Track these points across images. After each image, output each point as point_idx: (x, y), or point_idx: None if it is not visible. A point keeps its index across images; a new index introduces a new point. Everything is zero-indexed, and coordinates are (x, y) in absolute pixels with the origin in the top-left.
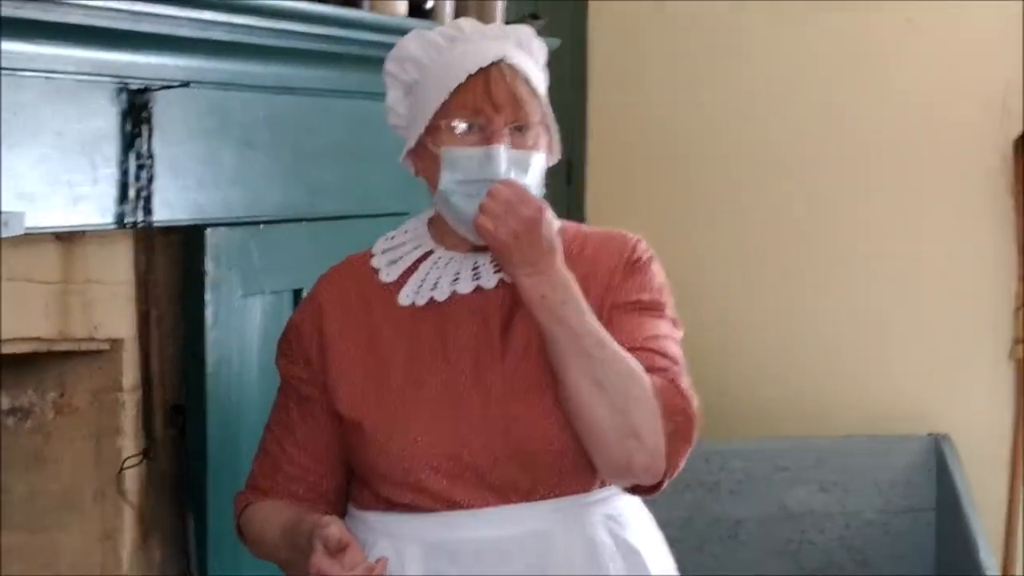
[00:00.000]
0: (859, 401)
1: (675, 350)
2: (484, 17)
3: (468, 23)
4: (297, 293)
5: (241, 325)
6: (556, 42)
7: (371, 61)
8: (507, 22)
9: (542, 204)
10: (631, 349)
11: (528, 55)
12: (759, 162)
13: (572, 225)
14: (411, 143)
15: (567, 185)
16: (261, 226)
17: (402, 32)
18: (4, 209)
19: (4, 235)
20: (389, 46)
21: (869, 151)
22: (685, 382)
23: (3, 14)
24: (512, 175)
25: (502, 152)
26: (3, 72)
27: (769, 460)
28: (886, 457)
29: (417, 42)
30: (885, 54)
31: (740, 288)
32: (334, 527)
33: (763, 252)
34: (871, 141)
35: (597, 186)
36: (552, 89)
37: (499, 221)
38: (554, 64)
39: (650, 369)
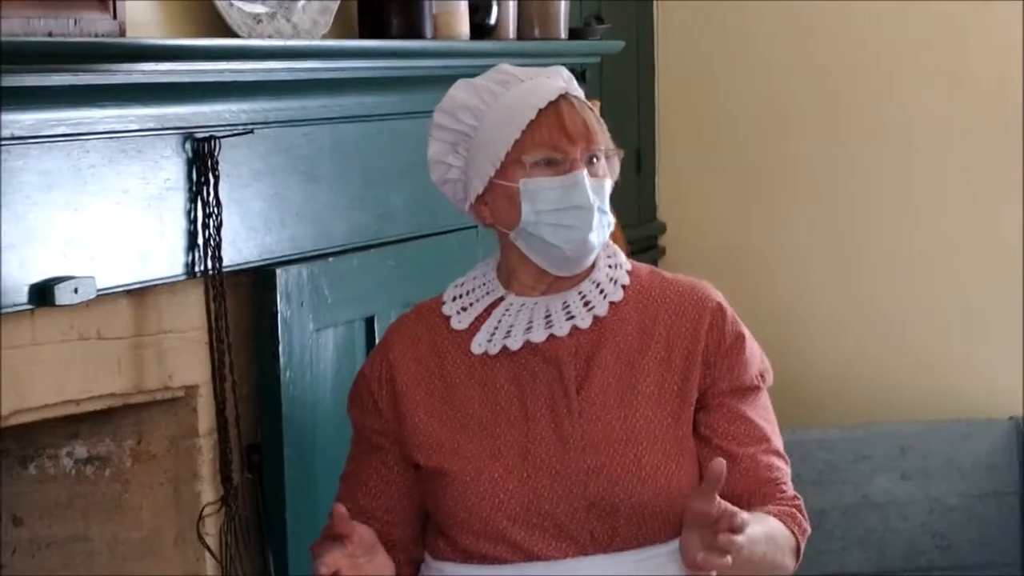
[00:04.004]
0: (939, 386)
1: (779, 445)
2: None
3: (511, 67)
4: (369, 321)
5: (314, 360)
6: (620, 45)
7: (435, 80)
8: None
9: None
10: (760, 492)
11: (577, 91)
12: (830, 148)
13: (643, 266)
14: (478, 189)
15: (636, 174)
16: (330, 259)
17: (466, 55)
18: (74, 274)
19: (76, 301)
20: (455, 67)
21: (941, 135)
22: (797, 497)
23: (64, 83)
24: (596, 203)
25: (585, 177)
26: (68, 138)
27: (851, 449)
28: (967, 442)
29: (468, 90)
30: (953, 37)
31: (817, 275)
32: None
33: (839, 238)
34: (942, 125)
35: (667, 175)
36: (621, 78)
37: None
38: (623, 55)
39: (779, 508)
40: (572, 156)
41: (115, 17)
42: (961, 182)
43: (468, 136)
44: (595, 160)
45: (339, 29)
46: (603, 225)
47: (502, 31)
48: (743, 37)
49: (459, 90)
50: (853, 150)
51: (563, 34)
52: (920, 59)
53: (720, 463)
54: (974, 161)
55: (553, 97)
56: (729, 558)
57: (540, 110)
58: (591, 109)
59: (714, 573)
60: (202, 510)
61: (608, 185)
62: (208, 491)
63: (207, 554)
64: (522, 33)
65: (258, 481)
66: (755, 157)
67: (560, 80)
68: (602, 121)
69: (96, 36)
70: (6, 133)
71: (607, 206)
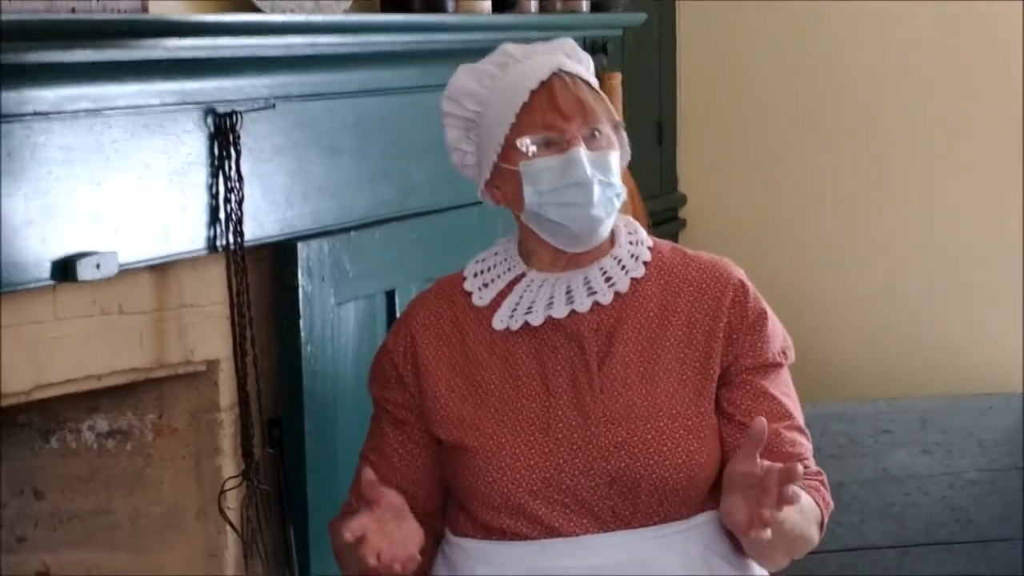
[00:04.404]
0: (959, 361)
1: (801, 422)
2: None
3: (513, 47)
4: (390, 295)
5: (335, 335)
6: (642, 17)
7: (457, 54)
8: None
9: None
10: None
11: (578, 63)
12: (849, 122)
13: (665, 242)
14: (487, 174)
15: (658, 146)
16: (352, 233)
17: (488, 28)
18: (96, 249)
19: (98, 276)
20: (477, 40)
21: (960, 117)
22: (821, 472)
23: (86, 59)
24: (596, 176)
25: (582, 153)
26: (90, 114)
27: (871, 423)
28: (988, 416)
29: (469, 76)
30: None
31: (835, 248)
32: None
33: (860, 210)
34: (960, 106)
35: (688, 146)
36: (643, 50)
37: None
38: (644, 27)
39: (804, 482)
40: (569, 134)
41: None
42: (981, 165)
43: (475, 122)
44: (596, 134)
45: (361, 3)
46: (608, 198)
47: (524, 4)
48: (764, 10)
49: (461, 76)
50: (872, 124)
51: (585, 7)
52: (940, 33)
53: (761, 422)
54: (989, 144)
55: (545, 76)
56: (787, 511)
57: (532, 91)
58: (587, 84)
59: (768, 532)
60: (223, 484)
61: (613, 157)
62: (229, 465)
63: (228, 528)
64: (544, 6)
65: (279, 455)
66: (776, 129)
67: (560, 55)
68: (601, 94)
69: (119, 12)
70: (29, 109)
71: (612, 178)
